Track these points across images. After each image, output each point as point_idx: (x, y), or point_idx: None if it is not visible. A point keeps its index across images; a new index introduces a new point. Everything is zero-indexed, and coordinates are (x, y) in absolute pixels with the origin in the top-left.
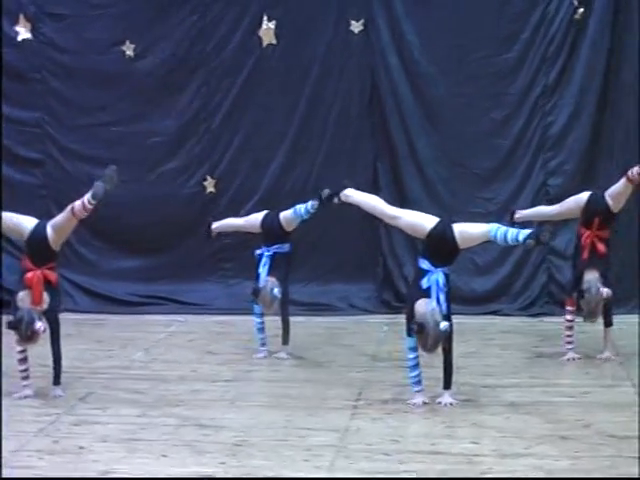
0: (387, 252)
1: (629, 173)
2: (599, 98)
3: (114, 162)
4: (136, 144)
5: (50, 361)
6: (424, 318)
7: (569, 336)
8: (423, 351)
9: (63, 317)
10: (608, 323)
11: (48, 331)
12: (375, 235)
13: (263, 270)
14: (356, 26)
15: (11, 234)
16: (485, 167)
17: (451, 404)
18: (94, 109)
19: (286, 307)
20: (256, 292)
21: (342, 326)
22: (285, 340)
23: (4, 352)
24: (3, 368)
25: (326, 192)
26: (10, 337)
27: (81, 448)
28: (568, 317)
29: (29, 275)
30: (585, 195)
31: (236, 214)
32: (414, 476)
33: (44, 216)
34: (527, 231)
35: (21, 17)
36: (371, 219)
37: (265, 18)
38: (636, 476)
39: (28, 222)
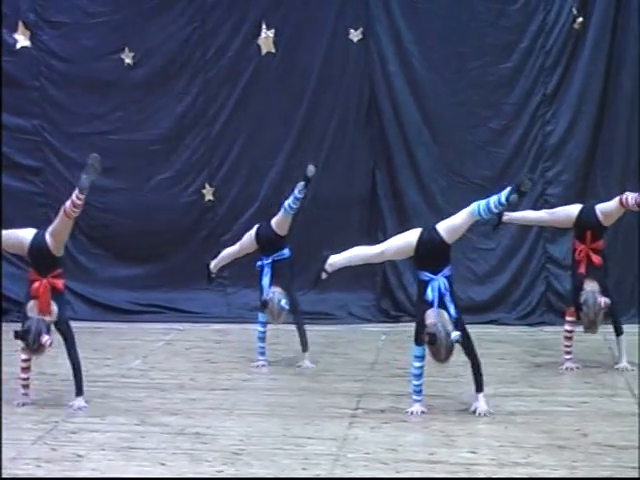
0: (386, 261)
1: (623, 198)
2: (598, 108)
3: (113, 170)
4: (134, 152)
5: (49, 370)
6: (435, 329)
7: (568, 346)
8: (437, 362)
9: None
10: (619, 332)
11: (62, 342)
12: (373, 244)
13: (265, 280)
14: (355, 35)
15: (13, 250)
16: (484, 176)
17: (485, 414)
18: (93, 116)
19: (298, 314)
20: (264, 304)
21: (341, 335)
22: (305, 347)
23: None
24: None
25: (311, 169)
26: (10, 345)
27: (79, 456)
28: (567, 327)
29: (35, 285)
30: (576, 209)
31: (235, 222)
32: None
33: (43, 223)
34: (506, 190)
35: (20, 25)
36: (369, 228)
37: (264, 26)
38: None
39: (26, 234)
